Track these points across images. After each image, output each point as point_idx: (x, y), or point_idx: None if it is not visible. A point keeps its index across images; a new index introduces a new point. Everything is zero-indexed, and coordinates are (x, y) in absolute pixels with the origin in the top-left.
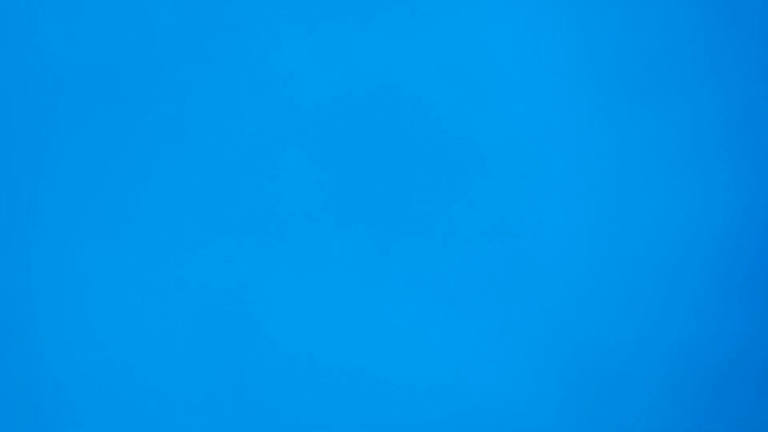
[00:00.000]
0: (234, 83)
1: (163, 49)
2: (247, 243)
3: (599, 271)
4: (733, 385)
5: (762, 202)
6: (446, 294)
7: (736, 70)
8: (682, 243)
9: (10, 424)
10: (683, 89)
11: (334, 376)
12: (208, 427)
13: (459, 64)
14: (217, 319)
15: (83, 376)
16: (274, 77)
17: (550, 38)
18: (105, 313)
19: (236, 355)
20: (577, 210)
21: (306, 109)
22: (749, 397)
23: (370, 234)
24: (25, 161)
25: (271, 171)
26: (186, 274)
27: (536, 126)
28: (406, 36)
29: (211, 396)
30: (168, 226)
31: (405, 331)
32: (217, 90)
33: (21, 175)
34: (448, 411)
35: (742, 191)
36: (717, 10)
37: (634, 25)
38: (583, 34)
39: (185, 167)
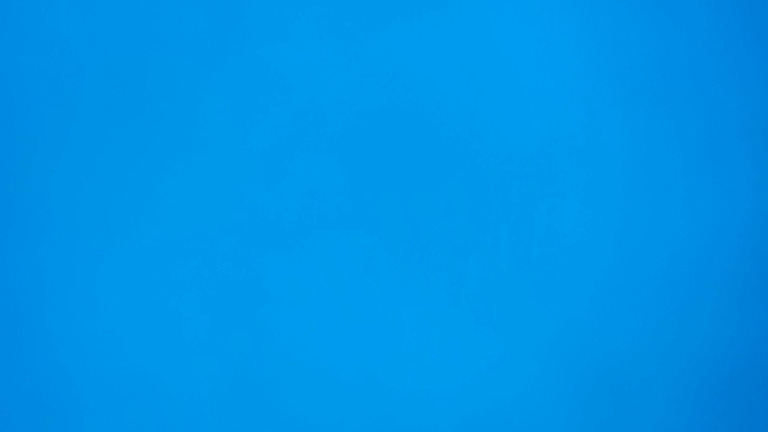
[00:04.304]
0: (244, 85)
1: (174, 52)
2: (258, 244)
3: (614, 276)
4: (750, 393)
5: None
6: (458, 299)
7: (756, 70)
8: (699, 248)
9: (19, 420)
10: (702, 90)
11: (343, 381)
12: (216, 427)
13: (473, 67)
14: (227, 320)
15: (92, 374)
16: (284, 79)
17: (566, 40)
18: (114, 311)
19: (246, 357)
20: (593, 214)
21: (317, 110)
22: (765, 404)
23: (381, 238)
24: (35, 160)
25: (283, 173)
26: (195, 275)
27: (552, 128)
28: (421, 38)
29: (220, 397)
30: (178, 226)
31: (415, 334)
32: (227, 91)
33: (30, 173)
34: (459, 417)
35: (763, 195)
36: (735, 9)
37: (651, 24)
38: (598, 36)
39: (196, 168)
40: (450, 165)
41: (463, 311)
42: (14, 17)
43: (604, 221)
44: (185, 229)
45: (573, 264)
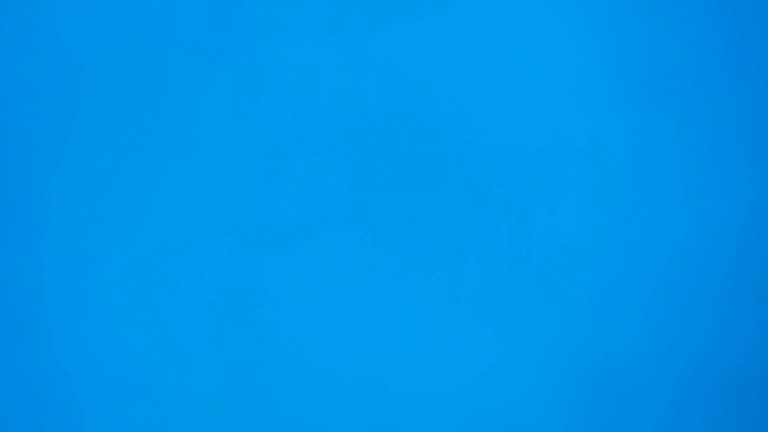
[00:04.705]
0: (243, 85)
1: (174, 52)
2: (258, 244)
3: (614, 276)
4: (750, 393)
5: None
6: (458, 299)
7: (756, 70)
8: (699, 248)
9: (18, 421)
10: (702, 90)
11: (343, 381)
12: (215, 428)
13: (473, 67)
14: (227, 320)
15: (91, 374)
16: (284, 79)
17: (566, 40)
18: (113, 312)
19: (246, 358)
20: (593, 214)
21: (317, 111)
22: (765, 404)
23: (382, 238)
24: (34, 160)
25: (283, 173)
26: (195, 275)
27: (552, 128)
28: (421, 38)
29: (220, 398)
30: (178, 226)
31: (415, 334)
32: (227, 92)
33: (30, 174)
34: (459, 417)
35: (763, 195)
36: (735, 9)
37: (651, 24)
38: (598, 36)
39: (196, 168)
40: (450, 165)
41: (463, 311)
42: (14, 17)
43: (604, 221)
44: (185, 229)
45: (573, 264)
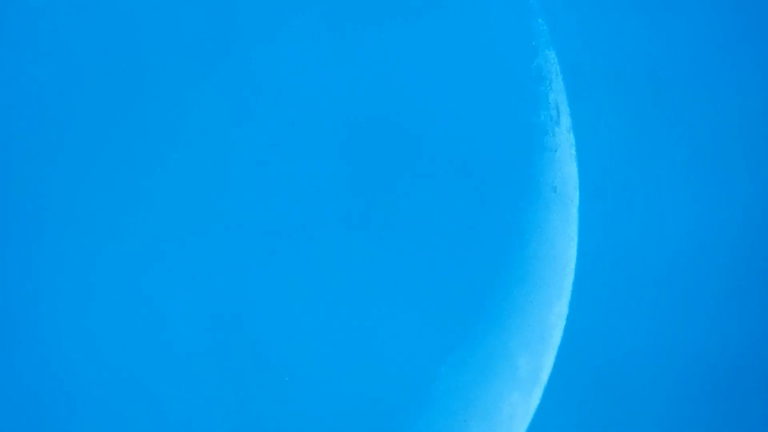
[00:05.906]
0: (239, 87)
1: (167, 54)
2: (252, 247)
3: (614, 276)
4: (750, 393)
5: None
6: (457, 300)
7: (757, 70)
8: (698, 247)
9: (11, 423)
10: (702, 90)
11: (338, 383)
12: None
13: (469, 69)
14: (222, 323)
15: (83, 378)
16: (277, 82)
17: (565, 40)
18: (107, 315)
19: (241, 360)
20: (594, 214)
21: (310, 113)
22: (765, 404)
23: (376, 241)
24: (26, 162)
25: (276, 176)
26: (189, 279)
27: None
28: (416, 40)
29: (215, 402)
30: (171, 229)
31: (414, 336)
32: (220, 94)
33: (22, 176)
34: (459, 418)
35: (763, 195)
36: (735, 9)
37: (651, 24)
38: (598, 35)
39: (189, 171)
40: (445, 166)
41: (463, 312)
42: (8, 17)
43: (604, 221)
44: (178, 231)
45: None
